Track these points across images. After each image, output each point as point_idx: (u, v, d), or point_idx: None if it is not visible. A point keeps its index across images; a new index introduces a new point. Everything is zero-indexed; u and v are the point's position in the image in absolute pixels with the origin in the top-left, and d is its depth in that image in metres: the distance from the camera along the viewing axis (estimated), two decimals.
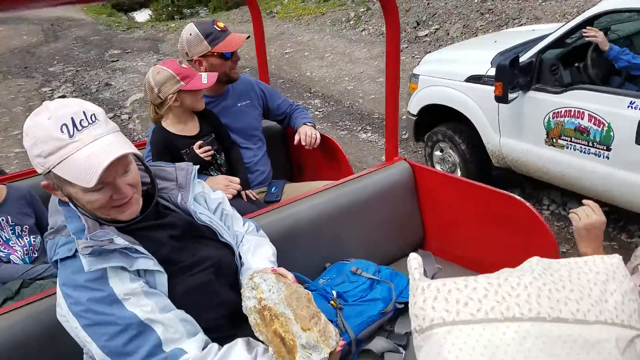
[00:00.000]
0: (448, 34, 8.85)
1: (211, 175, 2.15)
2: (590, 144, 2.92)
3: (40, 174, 1.12)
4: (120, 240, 1.12)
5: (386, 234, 2.08)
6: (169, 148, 2.01)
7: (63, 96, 9.21)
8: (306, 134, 2.37)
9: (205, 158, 2.03)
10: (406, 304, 1.72)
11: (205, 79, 1.96)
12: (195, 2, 28.04)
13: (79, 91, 9.50)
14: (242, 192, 2.15)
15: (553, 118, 3.07)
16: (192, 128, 2.08)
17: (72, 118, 1.05)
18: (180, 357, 1.08)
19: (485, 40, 4.62)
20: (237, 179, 2.11)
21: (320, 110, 6.88)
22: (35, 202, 2.02)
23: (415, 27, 9.70)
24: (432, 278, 1.95)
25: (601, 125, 2.81)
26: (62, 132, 1.04)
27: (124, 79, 9.99)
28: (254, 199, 2.20)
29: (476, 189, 1.90)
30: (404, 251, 2.11)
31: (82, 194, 1.09)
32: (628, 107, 2.69)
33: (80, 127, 1.05)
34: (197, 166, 1.46)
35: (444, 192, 2.05)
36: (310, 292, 1.26)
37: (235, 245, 1.41)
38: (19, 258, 1.88)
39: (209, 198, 1.48)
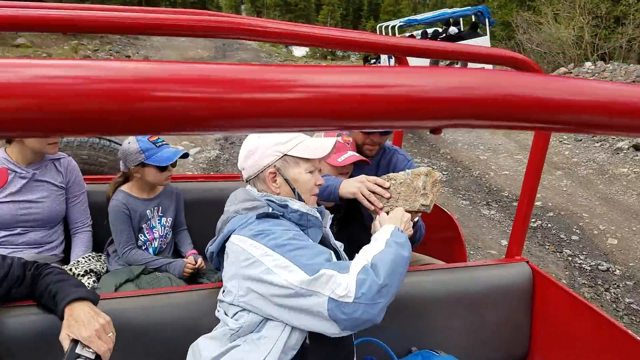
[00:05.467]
0: None
1: None
2: None
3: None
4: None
5: (485, 337, 1.84)
6: None
7: None
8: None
9: None
10: None
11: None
12: None
13: None
14: None
15: None
16: None
17: None
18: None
19: None
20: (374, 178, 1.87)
21: (445, 173, 6.69)
22: (179, 202, 2.22)
23: None
24: None
25: None
26: None
27: None
28: None
29: (616, 333, 1.56)
30: None
31: (305, 174, 1.38)
32: None
33: None
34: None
35: (568, 315, 1.74)
36: None
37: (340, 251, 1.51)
38: (151, 246, 2.08)
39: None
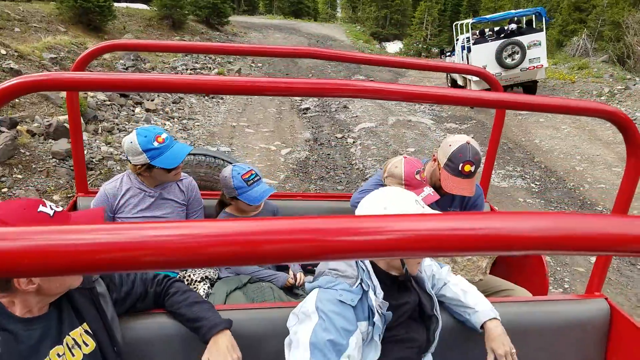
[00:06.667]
0: None
1: None
2: None
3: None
4: (389, 316, 1.39)
5: None
6: None
7: (307, 109, 10.53)
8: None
9: None
10: None
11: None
12: (446, 43, 28.84)
13: (320, 107, 10.78)
14: None
15: None
16: None
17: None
18: None
19: None
20: None
21: (538, 183, 6.46)
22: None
23: None
24: None
25: None
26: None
27: (360, 106, 10.94)
28: None
29: None
30: None
31: None
32: None
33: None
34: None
35: None
36: None
37: (438, 320, 1.56)
38: None
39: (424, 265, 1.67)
